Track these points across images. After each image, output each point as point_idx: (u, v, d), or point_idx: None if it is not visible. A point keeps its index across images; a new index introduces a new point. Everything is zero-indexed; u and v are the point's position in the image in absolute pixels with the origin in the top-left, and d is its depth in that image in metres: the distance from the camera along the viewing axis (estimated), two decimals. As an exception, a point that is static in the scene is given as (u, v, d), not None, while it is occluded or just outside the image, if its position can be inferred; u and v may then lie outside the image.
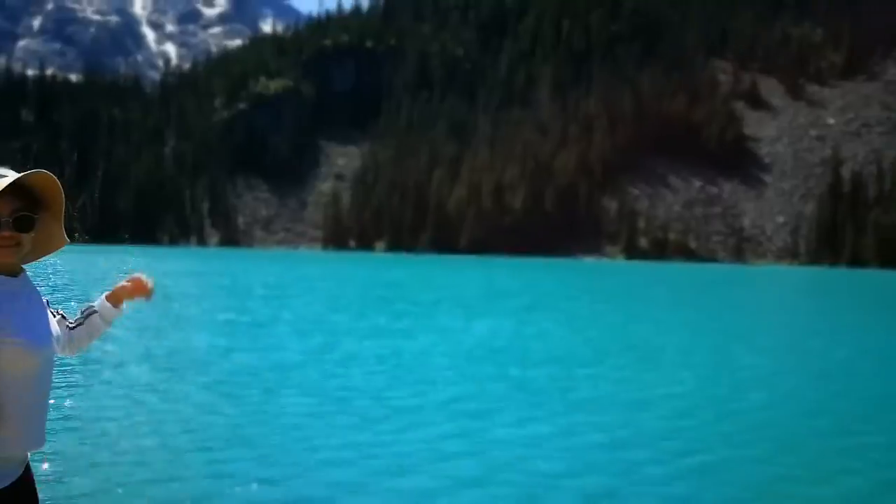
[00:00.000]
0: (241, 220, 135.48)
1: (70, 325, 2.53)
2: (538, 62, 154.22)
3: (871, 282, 65.47)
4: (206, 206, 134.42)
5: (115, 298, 2.58)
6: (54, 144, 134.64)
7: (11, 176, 2.17)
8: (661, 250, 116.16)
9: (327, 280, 42.79)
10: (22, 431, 2.17)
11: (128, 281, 2.59)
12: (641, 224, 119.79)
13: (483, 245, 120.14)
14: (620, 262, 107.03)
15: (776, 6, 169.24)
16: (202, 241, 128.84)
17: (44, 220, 2.29)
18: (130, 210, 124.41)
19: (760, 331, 22.95)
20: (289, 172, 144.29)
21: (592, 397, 10.94)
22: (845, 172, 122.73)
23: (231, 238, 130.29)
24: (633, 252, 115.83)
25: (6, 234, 2.17)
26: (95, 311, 2.59)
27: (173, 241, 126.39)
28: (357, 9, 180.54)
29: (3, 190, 2.13)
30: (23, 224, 2.19)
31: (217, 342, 15.65)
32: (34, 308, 2.26)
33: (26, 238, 2.21)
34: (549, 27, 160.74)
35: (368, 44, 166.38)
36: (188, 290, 29.10)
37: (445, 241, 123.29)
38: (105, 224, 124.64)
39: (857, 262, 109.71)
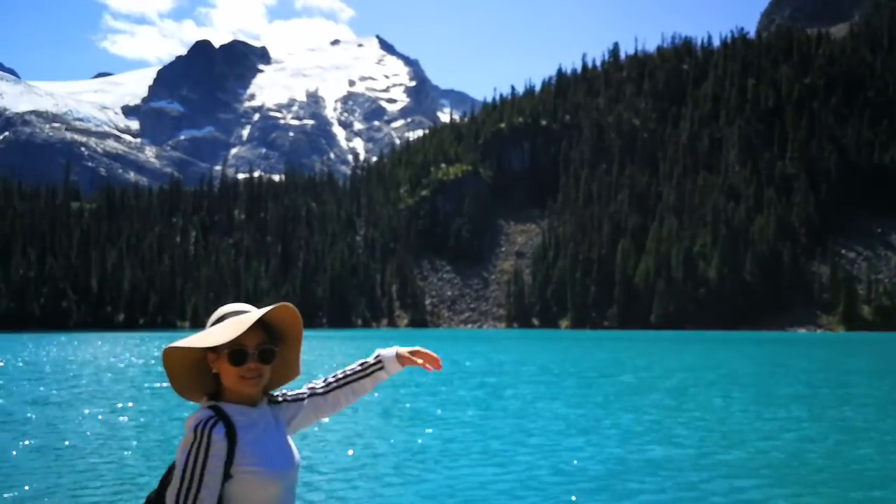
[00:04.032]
0: (428, 301, 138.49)
1: (320, 390, 2.55)
2: (722, 125, 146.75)
3: None
4: (395, 288, 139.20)
5: (403, 361, 2.59)
6: (261, 239, 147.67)
7: (256, 311, 2.30)
8: (889, 319, 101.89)
9: (589, 361, 40.54)
10: None
11: (414, 351, 2.60)
12: (862, 291, 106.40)
13: (675, 319, 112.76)
14: (841, 334, 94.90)
15: None
16: (392, 323, 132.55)
17: (281, 351, 2.39)
18: (327, 296, 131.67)
19: None
20: (471, 253, 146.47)
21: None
22: None
23: (420, 319, 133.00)
24: (854, 322, 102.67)
25: (252, 365, 2.26)
26: (382, 368, 2.60)
27: (365, 324, 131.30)
28: (530, 90, 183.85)
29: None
30: (266, 356, 2.29)
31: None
32: (272, 436, 2.28)
33: (266, 369, 2.31)
34: (731, 88, 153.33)
35: (543, 122, 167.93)
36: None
37: (633, 317, 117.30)
38: (304, 310, 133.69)
39: None
